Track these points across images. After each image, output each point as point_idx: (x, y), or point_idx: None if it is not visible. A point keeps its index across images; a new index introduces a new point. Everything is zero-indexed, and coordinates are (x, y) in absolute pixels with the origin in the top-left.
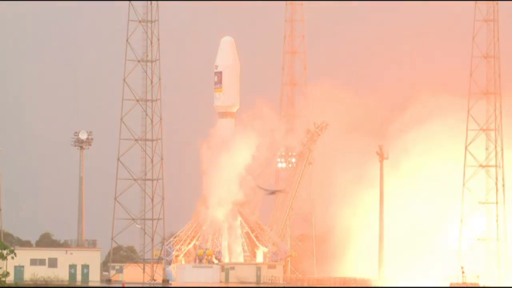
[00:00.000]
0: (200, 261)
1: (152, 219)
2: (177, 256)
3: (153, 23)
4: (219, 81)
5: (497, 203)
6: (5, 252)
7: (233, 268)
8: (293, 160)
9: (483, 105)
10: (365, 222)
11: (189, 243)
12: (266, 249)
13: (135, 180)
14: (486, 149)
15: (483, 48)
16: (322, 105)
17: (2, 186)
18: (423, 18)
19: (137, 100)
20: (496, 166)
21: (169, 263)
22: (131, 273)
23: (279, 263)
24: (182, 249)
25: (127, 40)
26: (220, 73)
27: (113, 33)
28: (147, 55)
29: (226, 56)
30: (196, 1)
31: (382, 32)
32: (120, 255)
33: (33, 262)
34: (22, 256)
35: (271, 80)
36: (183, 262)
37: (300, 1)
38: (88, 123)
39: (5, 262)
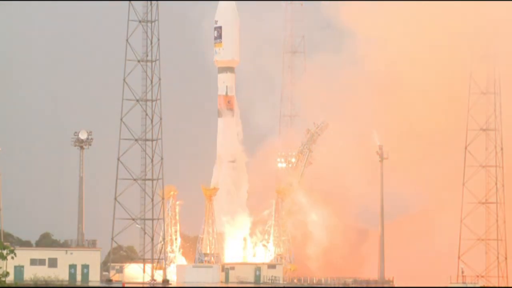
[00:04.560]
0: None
1: (152, 219)
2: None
3: (153, 23)
4: (219, 36)
5: (497, 203)
6: (5, 252)
7: (233, 268)
8: (293, 160)
9: (483, 106)
10: (366, 221)
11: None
12: (269, 251)
13: (135, 180)
14: (486, 149)
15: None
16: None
17: (2, 186)
18: (423, 18)
19: (137, 100)
20: (496, 166)
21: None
22: (131, 273)
23: (279, 263)
24: (174, 249)
25: (127, 40)
26: (220, 27)
27: (113, 33)
28: (147, 55)
29: (226, 11)
30: (196, 1)
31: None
32: (120, 255)
33: (33, 262)
34: (22, 256)
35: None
36: (178, 261)
37: (300, 1)
38: (88, 123)
39: (5, 262)
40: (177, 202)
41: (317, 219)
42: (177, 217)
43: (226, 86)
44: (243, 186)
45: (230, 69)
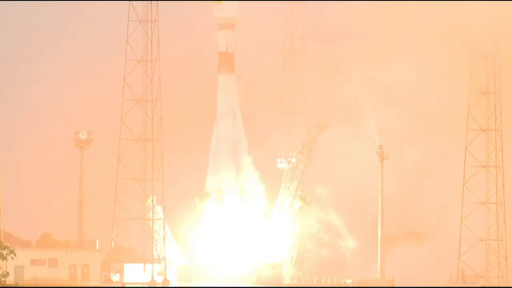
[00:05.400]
0: None
1: (152, 219)
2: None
3: (153, 23)
4: None
5: (497, 203)
6: (5, 252)
7: (233, 268)
8: (293, 160)
9: (483, 106)
10: (365, 221)
11: None
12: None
13: (135, 180)
14: (486, 149)
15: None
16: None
17: (2, 186)
18: (423, 18)
19: (137, 100)
20: (496, 166)
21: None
22: (131, 273)
23: (279, 262)
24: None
25: (127, 40)
26: None
27: (113, 33)
28: (147, 55)
29: None
30: (196, 1)
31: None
32: (120, 255)
33: (33, 262)
34: (22, 256)
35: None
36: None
37: (300, 1)
38: (88, 123)
39: (5, 262)
40: (154, 208)
41: (354, 245)
42: (163, 221)
43: (226, 43)
44: (242, 143)
45: (230, 26)
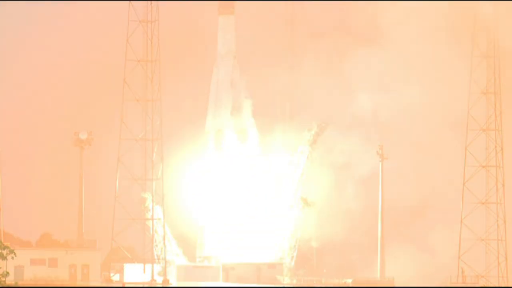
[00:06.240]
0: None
1: (152, 219)
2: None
3: (153, 23)
4: None
5: (497, 203)
6: (5, 252)
7: (233, 268)
8: (294, 159)
9: (483, 105)
10: (364, 221)
11: None
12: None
13: (135, 180)
14: (486, 149)
15: (483, 50)
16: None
17: (2, 186)
18: (423, 18)
19: (137, 100)
20: (496, 166)
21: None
22: (131, 273)
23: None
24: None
25: (127, 40)
26: None
27: (113, 33)
28: (147, 55)
29: None
30: (196, 1)
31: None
32: (120, 255)
33: (33, 262)
34: (22, 256)
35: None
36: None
37: (301, 1)
38: (88, 123)
39: (5, 262)
40: (149, 210)
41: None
42: (163, 221)
43: None
44: (242, 81)
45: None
